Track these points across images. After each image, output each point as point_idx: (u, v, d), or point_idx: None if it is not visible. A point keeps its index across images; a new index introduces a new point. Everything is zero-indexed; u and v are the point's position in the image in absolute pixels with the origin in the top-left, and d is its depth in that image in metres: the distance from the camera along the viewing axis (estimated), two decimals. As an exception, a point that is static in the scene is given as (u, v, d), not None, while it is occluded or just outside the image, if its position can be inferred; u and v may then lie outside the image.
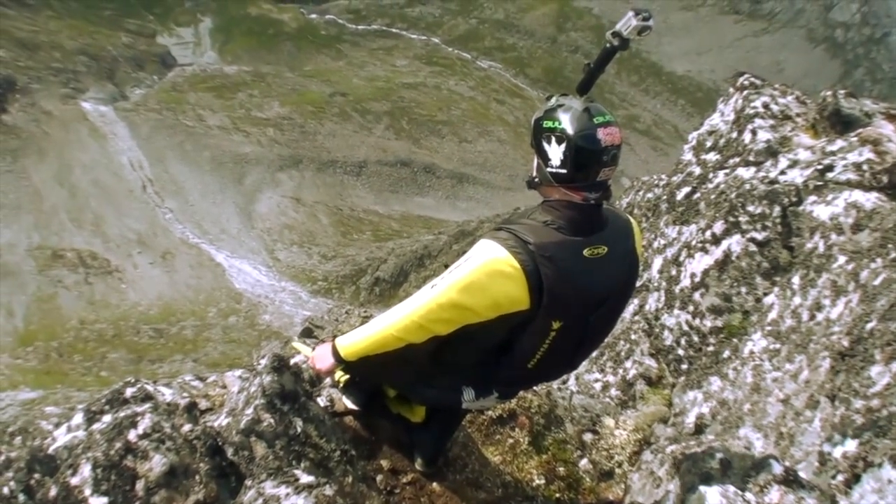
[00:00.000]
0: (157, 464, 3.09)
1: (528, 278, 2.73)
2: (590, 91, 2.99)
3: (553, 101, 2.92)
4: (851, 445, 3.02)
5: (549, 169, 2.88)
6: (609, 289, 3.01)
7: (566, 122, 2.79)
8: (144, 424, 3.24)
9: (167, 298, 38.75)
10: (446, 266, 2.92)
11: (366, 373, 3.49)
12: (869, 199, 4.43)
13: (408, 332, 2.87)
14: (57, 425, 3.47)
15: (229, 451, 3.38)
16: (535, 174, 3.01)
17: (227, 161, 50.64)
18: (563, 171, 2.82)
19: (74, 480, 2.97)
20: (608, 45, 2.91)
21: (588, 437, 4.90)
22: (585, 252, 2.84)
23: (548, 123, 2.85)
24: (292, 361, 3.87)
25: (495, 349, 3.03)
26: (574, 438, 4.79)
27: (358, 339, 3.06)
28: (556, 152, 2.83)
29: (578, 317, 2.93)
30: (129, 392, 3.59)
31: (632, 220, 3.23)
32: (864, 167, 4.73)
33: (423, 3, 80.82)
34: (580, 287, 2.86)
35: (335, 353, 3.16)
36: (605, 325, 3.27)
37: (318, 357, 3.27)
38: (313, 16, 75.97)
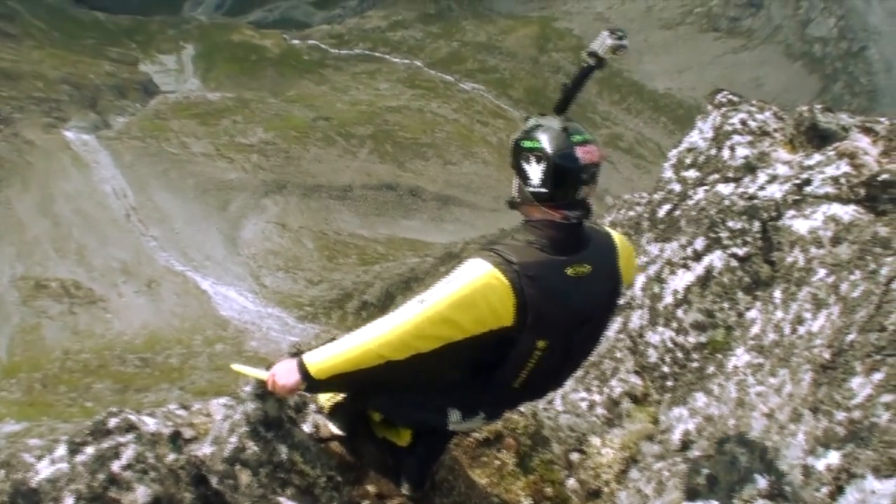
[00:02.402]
0: (141, 495, 3.07)
1: (515, 294, 2.75)
2: (567, 110, 3.02)
3: (532, 121, 2.98)
4: (835, 458, 3.03)
5: (529, 188, 2.92)
6: (593, 307, 3.03)
7: (545, 141, 2.84)
8: (128, 455, 3.22)
9: (152, 327, 38.55)
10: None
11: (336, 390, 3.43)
12: (847, 212, 4.46)
13: (391, 347, 2.82)
14: (40, 458, 3.43)
15: (214, 480, 3.35)
16: (515, 194, 3.06)
17: (212, 188, 50.57)
18: (544, 190, 2.87)
19: (57, 513, 2.95)
20: (584, 64, 2.96)
21: (575, 456, 4.89)
22: (568, 271, 2.87)
23: (527, 143, 2.90)
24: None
25: (480, 370, 3.03)
26: (561, 458, 4.78)
27: (331, 355, 2.93)
28: (535, 172, 2.87)
29: (563, 335, 2.94)
30: (112, 422, 3.55)
31: (614, 234, 3.26)
32: (842, 180, 4.76)
33: (406, 26, 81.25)
34: (564, 306, 2.87)
35: (302, 369, 2.97)
36: (590, 344, 3.29)
37: (280, 374, 3.05)
38: (296, 41, 76.18)
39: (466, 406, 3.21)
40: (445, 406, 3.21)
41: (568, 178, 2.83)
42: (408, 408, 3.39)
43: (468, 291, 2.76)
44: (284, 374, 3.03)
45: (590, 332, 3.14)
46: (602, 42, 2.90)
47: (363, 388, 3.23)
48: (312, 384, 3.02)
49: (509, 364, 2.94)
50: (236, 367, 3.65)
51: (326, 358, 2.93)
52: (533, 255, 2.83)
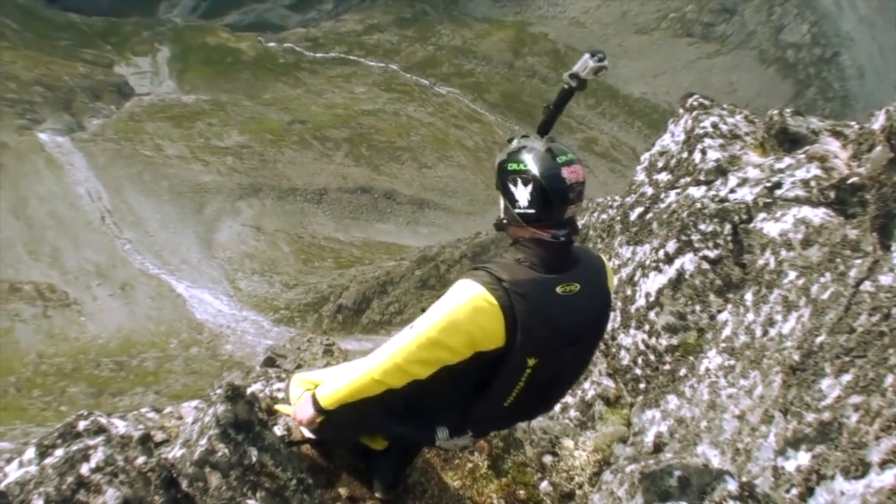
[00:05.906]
0: (110, 497, 3.03)
1: (504, 314, 2.77)
2: (550, 132, 3.05)
3: (515, 143, 3.02)
4: (804, 459, 3.05)
5: (517, 210, 2.95)
6: (582, 325, 3.05)
7: (530, 163, 2.88)
8: (97, 458, 3.17)
9: (127, 330, 38.20)
10: (423, 310, 2.94)
11: (345, 422, 3.44)
12: (817, 215, 4.50)
13: (387, 374, 2.88)
14: (9, 461, 3.39)
15: (184, 483, 3.32)
16: (503, 216, 3.10)
17: (187, 190, 50.24)
18: (532, 211, 2.90)
19: (25, 517, 2.91)
20: (566, 86, 2.99)
21: (548, 459, 4.89)
22: (558, 289, 2.90)
23: (513, 166, 2.94)
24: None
25: (472, 390, 3.04)
26: (534, 461, 4.77)
27: (337, 388, 3.08)
28: (522, 193, 2.90)
29: (553, 353, 2.96)
30: (81, 425, 3.51)
31: (604, 258, 3.28)
32: (812, 183, 4.81)
33: (381, 30, 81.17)
34: (553, 323, 2.89)
35: (315, 403, 3.21)
36: (580, 363, 3.31)
37: (298, 409, 3.37)
38: (271, 44, 75.86)
39: (456, 425, 3.23)
40: (434, 424, 3.24)
41: (555, 198, 2.85)
42: (396, 424, 3.41)
43: (458, 315, 2.79)
44: (301, 409, 3.35)
45: (579, 352, 3.16)
46: (584, 64, 2.93)
47: (371, 414, 3.30)
48: (326, 416, 3.24)
49: (500, 382, 2.95)
50: (278, 406, 3.88)
51: (333, 392, 3.12)
52: (523, 273, 2.86)
